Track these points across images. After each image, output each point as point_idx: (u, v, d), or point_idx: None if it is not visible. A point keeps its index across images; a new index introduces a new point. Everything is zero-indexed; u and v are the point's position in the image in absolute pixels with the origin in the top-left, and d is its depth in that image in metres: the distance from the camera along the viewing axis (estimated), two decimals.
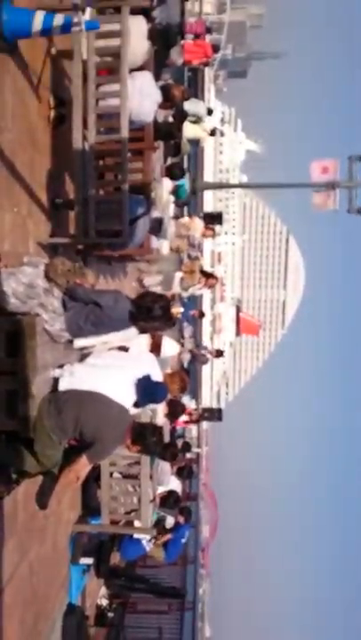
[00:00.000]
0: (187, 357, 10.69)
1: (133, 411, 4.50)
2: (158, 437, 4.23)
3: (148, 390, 4.48)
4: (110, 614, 8.00)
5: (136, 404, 4.52)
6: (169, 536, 8.28)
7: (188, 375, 7.85)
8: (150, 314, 4.30)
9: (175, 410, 7.48)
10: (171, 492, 7.92)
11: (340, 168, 13.44)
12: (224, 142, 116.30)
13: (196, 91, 16.23)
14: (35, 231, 5.35)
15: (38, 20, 4.44)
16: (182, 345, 10.65)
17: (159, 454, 4.53)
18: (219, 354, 14.81)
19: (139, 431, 4.14)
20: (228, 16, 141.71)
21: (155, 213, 6.67)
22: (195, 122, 11.68)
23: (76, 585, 6.78)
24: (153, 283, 11.00)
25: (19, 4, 4.61)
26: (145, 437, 4.14)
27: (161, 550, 8.40)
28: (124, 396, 4.29)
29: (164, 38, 5.66)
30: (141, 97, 5.53)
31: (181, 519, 8.44)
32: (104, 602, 8.12)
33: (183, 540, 8.88)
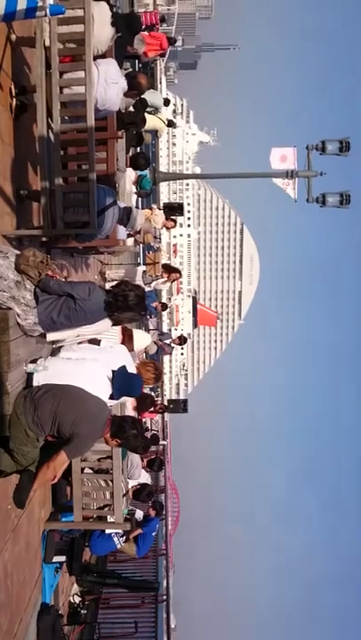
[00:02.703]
0: (153, 348, 10.65)
1: (109, 403, 4.43)
2: (139, 430, 4.17)
3: (124, 383, 4.42)
4: (83, 611, 7.90)
5: (111, 397, 4.45)
6: (140, 530, 8.23)
7: None
8: (126, 301, 4.24)
9: (145, 402, 7.43)
10: (143, 486, 7.87)
11: (298, 157, 13.59)
12: (177, 134, 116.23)
13: (152, 82, 16.04)
14: (0, 223, 5.19)
15: (0, 4, 4.28)
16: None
17: (139, 447, 4.45)
18: (182, 340, 14.79)
19: (118, 424, 4.07)
20: (177, 7, 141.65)
21: (121, 204, 6.57)
22: (151, 112, 11.59)
23: (49, 584, 6.67)
24: (116, 277, 10.89)
25: None
26: (125, 431, 4.07)
27: (133, 545, 8.35)
28: (101, 389, 4.22)
29: (128, 25, 5.53)
30: (107, 84, 5.41)
31: (153, 512, 8.40)
32: (77, 599, 8.02)
33: (154, 534, 8.85)
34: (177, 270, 11.88)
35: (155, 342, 11.08)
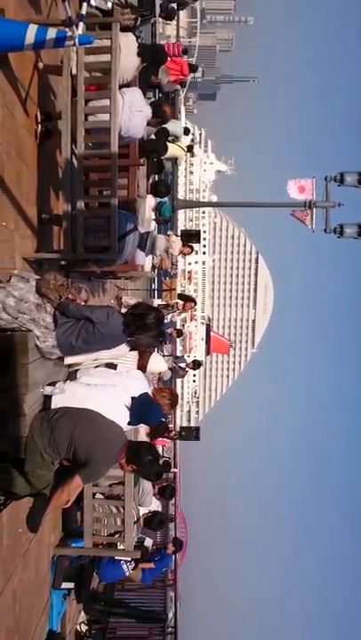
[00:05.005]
0: (168, 375, 10.65)
1: (125, 429, 4.41)
2: (154, 456, 4.13)
3: (142, 410, 4.40)
4: None
5: (129, 423, 4.43)
6: (152, 565, 8.12)
7: None
8: (144, 320, 4.23)
9: (159, 429, 7.38)
10: (155, 513, 7.77)
11: (317, 188, 13.69)
12: (194, 162, 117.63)
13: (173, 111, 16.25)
14: (21, 246, 5.24)
15: (31, 33, 4.37)
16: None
17: (152, 474, 4.40)
18: (197, 365, 14.80)
19: (134, 450, 4.03)
20: (198, 39, 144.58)
21: (142, 229, 6.62)
22: (171, 141, 11.74)
23: (57, 611, 6.57)
24: (132, 303, 10.95)
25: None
26: (141, 457, 4.03)
27: (139, 573, 8.23)
28: (119, 414, 4.20)
29: (154, 56, 5.64)
30: (131, 113, 5.50)
31: (171, 549, 8.29)
32: (83, 628, 7.88)
33: (164, 569, 8.74)
34: (192, 299, 11.96)
35: (169, 368, 11.07)
